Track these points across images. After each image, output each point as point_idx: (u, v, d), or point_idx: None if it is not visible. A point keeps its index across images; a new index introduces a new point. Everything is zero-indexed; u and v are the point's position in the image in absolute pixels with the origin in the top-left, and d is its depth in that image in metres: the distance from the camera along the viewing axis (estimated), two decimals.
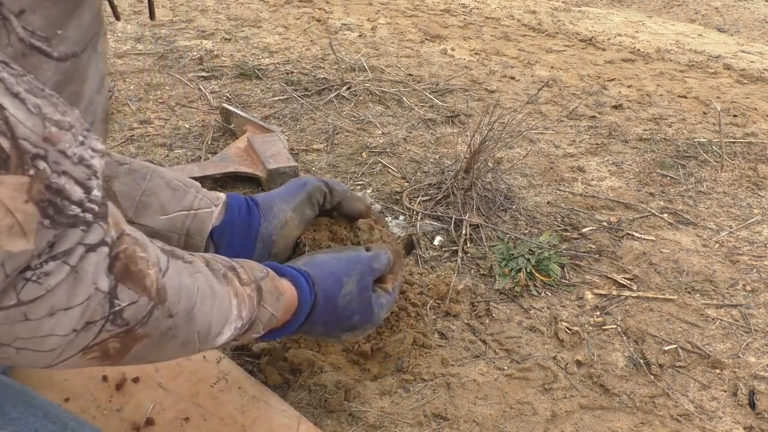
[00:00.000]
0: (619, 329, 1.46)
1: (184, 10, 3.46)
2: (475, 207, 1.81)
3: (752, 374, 1.37)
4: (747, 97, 2.88)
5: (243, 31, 3.22)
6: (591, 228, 1.81)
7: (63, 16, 0.55)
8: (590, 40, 3.63)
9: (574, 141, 2.35)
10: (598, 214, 1.89)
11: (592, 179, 2.10)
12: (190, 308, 0.62)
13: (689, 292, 1.60)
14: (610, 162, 2.21)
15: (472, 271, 1.61)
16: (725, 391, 1.33)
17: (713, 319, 1.52)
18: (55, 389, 1.07)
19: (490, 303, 1.51)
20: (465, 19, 3.85)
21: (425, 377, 1.28)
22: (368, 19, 3.62)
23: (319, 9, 3.71)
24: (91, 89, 0.63)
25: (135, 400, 1.08)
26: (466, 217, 1.75)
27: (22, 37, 0.50)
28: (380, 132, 2.29)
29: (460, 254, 1.65)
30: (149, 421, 1.05)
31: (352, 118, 2.38)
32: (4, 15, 0.48)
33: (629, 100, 2.75)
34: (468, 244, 1.69)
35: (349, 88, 2.57)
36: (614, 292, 1.58)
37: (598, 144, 2.33)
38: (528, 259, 1.61)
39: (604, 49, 3.50)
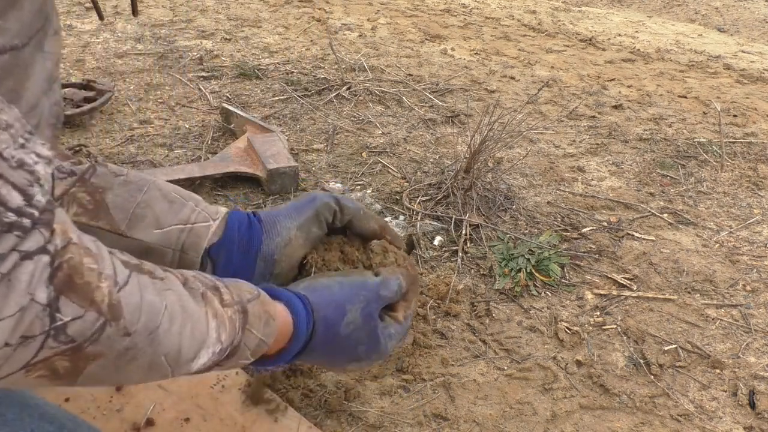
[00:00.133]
0: (619, 329, 1.46)
1: (184, 10, 3.46)
2: (475, 207, 1.81)
3: (752, 374, 1.37)
4: (747, 97, 2.88)
5: (243, 31, 3.23)
6: (591, 228, 1.81)
7: (1, 6, 0.53)
8: (590, 40, 3.63)
9: (574, 141, 2.35)
10: (598, 214, 1.89)
11: (592, 179, 2.10)
12: (154, 328, 0.58)
13: (689, 292, 1.60)
14: (610, 162, 2.21)
15: (472, 271, 1.61)
16: (725, 391, 1.33)
17: (713, 319, 1.52)
18: (55, 389, 1.07)
19: (490, 303, 1.51)
20: (465, 19, 3.85)
21: (425, 377, 1.28)
22: (368, 19, 3.62)
23: (319, 9, 3.71)
24: (36, 89, 0.60)
25: (135, 401, 1.08)
26: (466, 217, 1.75)
27: None
28: (380, 132, 2.29)
29: (460, 254, 1.65)
30: (149, 422, 1.05)
31: (352, 118, 2.38)
32: None
33: (629, 100, 2.75)
34: (468, 244, 1.69)
35: (349, 88, 2.57)
36: (614, 292, 1.58)
37: (598, 144, 2.33)
38: (528, 259, 1.61)
39: (604, 49, 3.50)
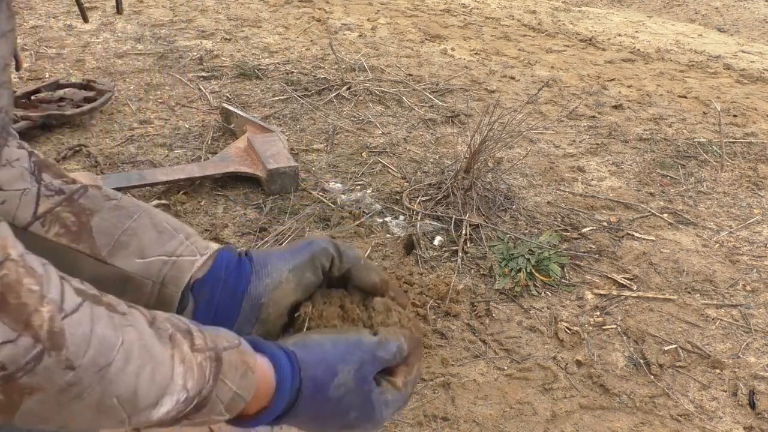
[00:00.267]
0: (619, 329, 1.46)
1: (184, 10, 3.46)
2: (475, 207, 1.81)
3: (752, 374, 1.37)
4: (747, 97, 2.88)
5: (243, 31, 3.23)
6: (591, 228, 1.81)
7: None
8: (590, 40, 3.63)
9: (574, 141, 2.35)
10: (598, 214, 1.89)
11: (592, 179, 2.10)
12: (105, 364, 0.53)
13: (689, 292, 1.60)
14: (610, 162, 2.21)
15: (472, 271, 1.61)
16: (725, 391, 1.33)
17: (713, 319, 1.52)
18: None
19: (490, 303, 1.51)
20: (465, 19, 3.85)
21: (425, 377, 1.28)
22: (368, 19, 3.62)
23: (319, 9, 3.71)
24: None
25: None
26: (466, 217, 1.75)
27: None
28: (380, 132, 2.29)
29: (460, 254, 1.65)
30: None
31: (352, 118, 2.38)
32: None
33: (629, 100, 2.75)
34: (468, 244, 1.69)
35: (349, 88, 2.57)
36: (614, 292, 1.58)
37: (598, 144, 2.33)
38: (528, 259, 1.61)
39: (604, 49, 3.50)
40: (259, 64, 2.79)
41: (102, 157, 1.97)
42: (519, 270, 1.59)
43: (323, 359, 0.72)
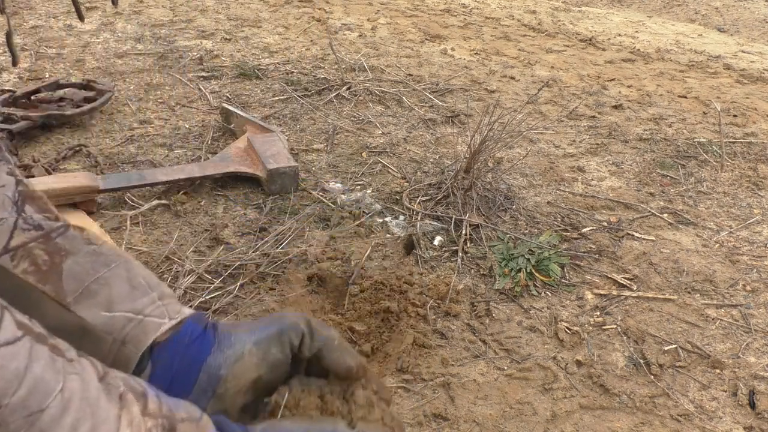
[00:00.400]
0: (619, 329, 1.46)
1: (184, 10, 3.46)
2: (475, 207, 1.81)
3: (752, 374, 1.37)
4: (747, 97, 2.88)
5: (243, 31, 3.22)
6: (591, 228, 1.81)
7: None
8: (590, 40, 3.63)
9: (574, 141, 2.35)
10: (598, 214, 1.89)
11: (592, 179, 2.10)
12: (37, 409, 0.48)
13: (689, 292, 1.60)
14: (610, 162, 2.21)
15: (472, 271, 1.61)
16: (725, 391, 1.33)
17: (713, 319, 1.52)
18: None
19: (490, 303, 1.51)
20: (465, 19, 3.85)
21: (425, 377, 1.28)
22: (368, 19, 3.62)
23: (319, 9, 3.71)
24: None
25: None
26: (466, 217, 1.75)
27: None
28: (380, 132, 2.29)
29: (460, 254, 1.65)
30: None
31: (352, 118, 2.38)
32: None
33: (629, 100, 2.75)
34: (468, 244, 1.69)
35: (349, 88, 2.57)
36: (614, 292, 1.58)
37: (598, 144, 2.33)
38: (528, 259, 1.61)
39: (604, 49, 3.50)
40: (259, 64, 2.79)
41: (102, 157, 1.97)
42: (519, 270, 1.59)
43: None
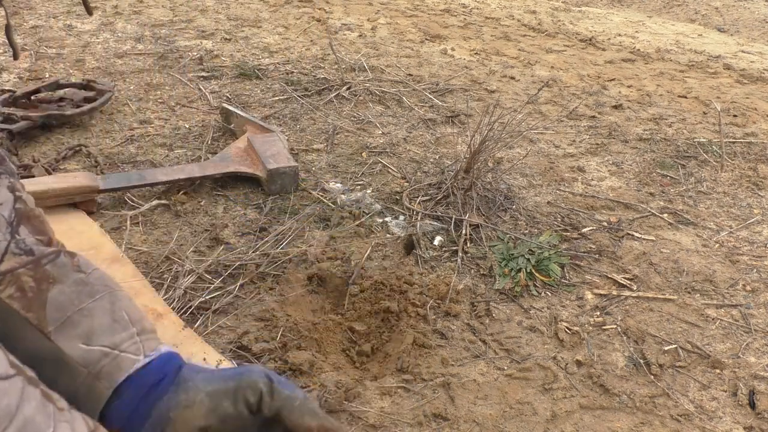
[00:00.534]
0: (619, 329, 1.46)
1: (184, 10, 3.46)
2: (475, 207, 1.81)
3: (752, 374, 1.37)
4: (747, 97, 2.88)
5: (243, 31, 3.22)
6: (591, 228, 1.81)
7: None
8: (590, 40, 3.63)
9: (574, 141, 2.35)
10: (598, 214, 1.89)
11: (592, 179, 2.10)
12: None
13: (689, 292, 1.60)
14: (610, 162, 2.21)
15: (472, 271, 1.61)
16: (725, 391, 1.33)
17: (713, 319, 1.52)
18: None
19: (490, 303, 1.51)
20: (465, 19, 3.85)
21: (425, 377, 1.28)
22: (368, 19, 3.62)
23: (319, 9, 3.71)
24: None
25: None
26: (466, 217, 1.75)
27: None
28: (380, 132, 2.29)
29: (460, 254, 1.65)
30: None
31: (352, 118, 2.38)
32: None
33: (629, 100, 2.75)
34: (468, 244, 1.69)
35: (349, 88, 2.57)
36: (614, 292, 1.58)
37: (598, 144, 2.33)
38: (528, 259, 1.61)
39: (604, 49, 3.50)
40: (259, 64, 2.79)
41: (102, 157, 1.97)
42: (519, 270, 1.59)
43: None
